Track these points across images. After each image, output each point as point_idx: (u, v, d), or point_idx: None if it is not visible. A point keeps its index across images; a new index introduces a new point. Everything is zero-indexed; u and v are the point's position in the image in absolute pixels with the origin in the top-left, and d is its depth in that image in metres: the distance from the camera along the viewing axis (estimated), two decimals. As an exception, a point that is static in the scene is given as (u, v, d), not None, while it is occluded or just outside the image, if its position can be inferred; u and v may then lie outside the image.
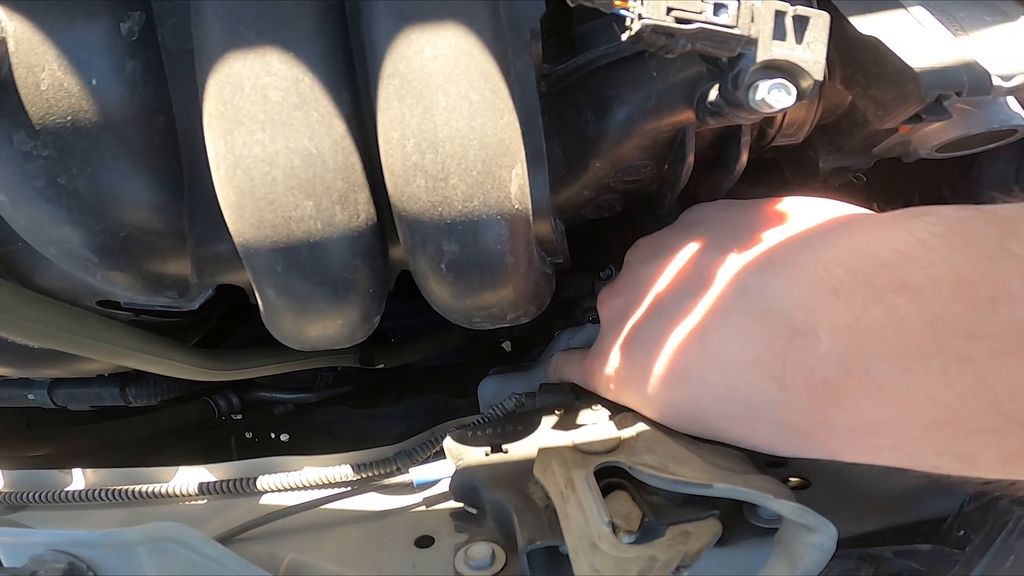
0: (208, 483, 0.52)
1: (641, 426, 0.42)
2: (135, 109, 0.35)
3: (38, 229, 0.34)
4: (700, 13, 0.31)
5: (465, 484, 0.44)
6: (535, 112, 0.36)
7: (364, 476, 0.51)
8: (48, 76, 0.32)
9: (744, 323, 0.35)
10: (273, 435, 0.85)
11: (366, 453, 0.53)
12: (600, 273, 0.60)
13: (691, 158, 0.43)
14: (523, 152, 0.34)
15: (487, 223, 0.34)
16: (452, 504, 0.49)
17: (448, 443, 0.47)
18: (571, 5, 0.32)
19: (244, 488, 0.51)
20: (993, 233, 0.27)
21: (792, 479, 0.50)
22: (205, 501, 0.53)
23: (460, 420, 0.53)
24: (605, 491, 0.39)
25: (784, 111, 0.35)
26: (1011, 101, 0.42)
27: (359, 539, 0.48)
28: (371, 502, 0.51)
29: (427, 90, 0.32)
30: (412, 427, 0.84)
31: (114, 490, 0.52)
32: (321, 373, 0.78)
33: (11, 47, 0.31)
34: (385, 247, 0.38)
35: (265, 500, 0.52)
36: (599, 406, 0.47)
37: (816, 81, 0.33)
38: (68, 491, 0.53)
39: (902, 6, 0.40)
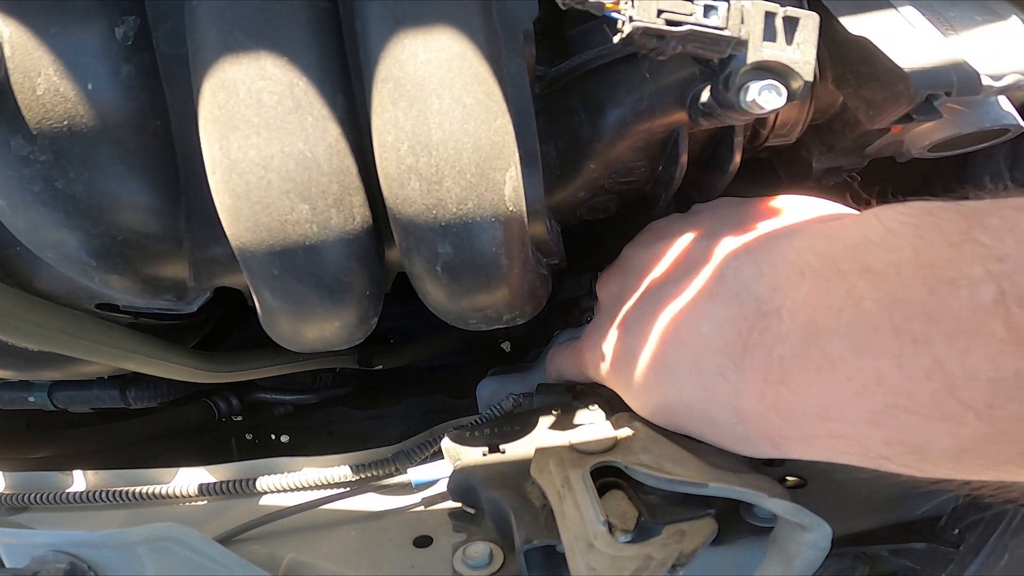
0: (208, 484, 0.52)
1: (637, 426, 0.42)
2: (131, 113, 0.35)
3: (36, 233, 0.35)
4: (690, 15, 0.32)
5: (463, 484, 0.44)
6: (529, 114, 0.37)
7: (363, 477, 0.51)
8: (44, 81, 0.32)
9: (715, 307, 0.35)
10: (273, 436, 0.85)
11: (365, 454, 0.53)
12: (598, 273, 0.60)
13: (684, 159, 0.43)
14: (517, 154, 0.34)
15: (481, 225, 0.34)
16: (450, 504, 0.50)
17: (446, 443, 0.47)
18: (563, 8, 0.32)
19: (244, 489, 0.51)
20: (961, 224, 0.27)
21: (788, 478, 0.50)
22: (205, 502, 0.53)
23: (458, 420, 0.53)
24: (601, 490, 0.39)
25: (775, 112, 0.35)
26: (1002, 100, 0.42)
27: (358, 539, 0.49)
28: (370, 502, 0.52)
29: (421, 93, 0.32)
30: (412, 428, 0.84)
31: (115, 491, 0.52)
32: (320, 374, 0.78)
33: (7, 52, 0.31)
34: (381, 250, 0.38)
35: (264, 501, 0.52)
36: (596, 406, 0.47)
37: (806, 82, 0.34)
38: (69, 492, 0.53)
39: (892, 6, 0.40)
